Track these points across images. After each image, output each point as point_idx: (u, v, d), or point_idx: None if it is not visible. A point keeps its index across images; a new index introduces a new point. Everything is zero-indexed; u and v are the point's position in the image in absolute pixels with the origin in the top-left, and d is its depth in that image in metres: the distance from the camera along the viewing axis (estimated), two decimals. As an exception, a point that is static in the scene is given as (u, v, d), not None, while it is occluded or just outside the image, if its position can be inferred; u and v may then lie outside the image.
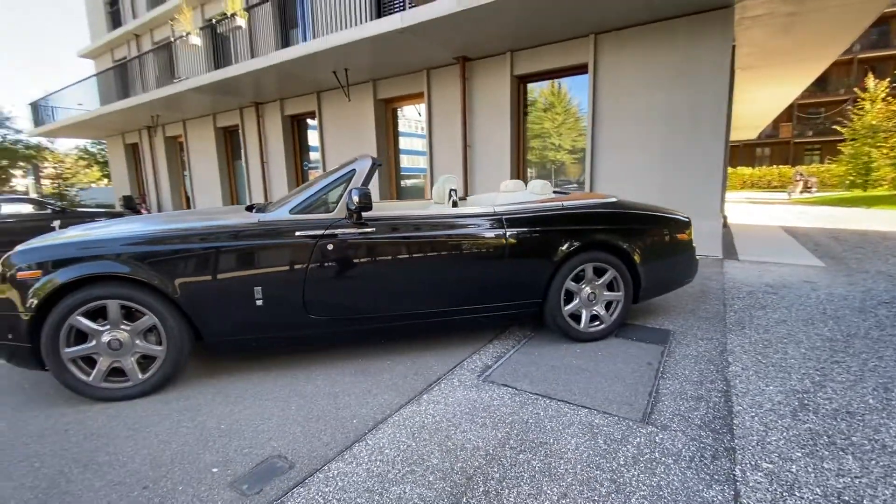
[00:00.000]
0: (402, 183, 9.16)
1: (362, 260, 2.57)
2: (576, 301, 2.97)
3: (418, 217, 2.71)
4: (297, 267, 2.47)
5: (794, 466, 1.72)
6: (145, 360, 2.39)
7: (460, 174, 7.53)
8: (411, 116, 8.92)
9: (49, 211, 9.12)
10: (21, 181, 24.56)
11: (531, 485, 1.63)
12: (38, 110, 14.67)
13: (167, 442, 1.96)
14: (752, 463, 1.75)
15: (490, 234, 2.77)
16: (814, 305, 3.68)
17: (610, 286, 3.05)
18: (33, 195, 18.69)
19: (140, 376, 2.35)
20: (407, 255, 2.66)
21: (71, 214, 9.18)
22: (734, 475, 1.68)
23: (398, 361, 2.74)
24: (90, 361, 2.31)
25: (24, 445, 1.95)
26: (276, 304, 2.46)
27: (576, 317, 3.00)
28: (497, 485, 1.63)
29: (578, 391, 2.34)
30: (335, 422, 2.09)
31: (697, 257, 3.48)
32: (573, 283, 2.93)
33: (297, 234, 2.47)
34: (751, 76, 8.47)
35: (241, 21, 8.08)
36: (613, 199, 3.15)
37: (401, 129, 8.97)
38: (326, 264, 2.51)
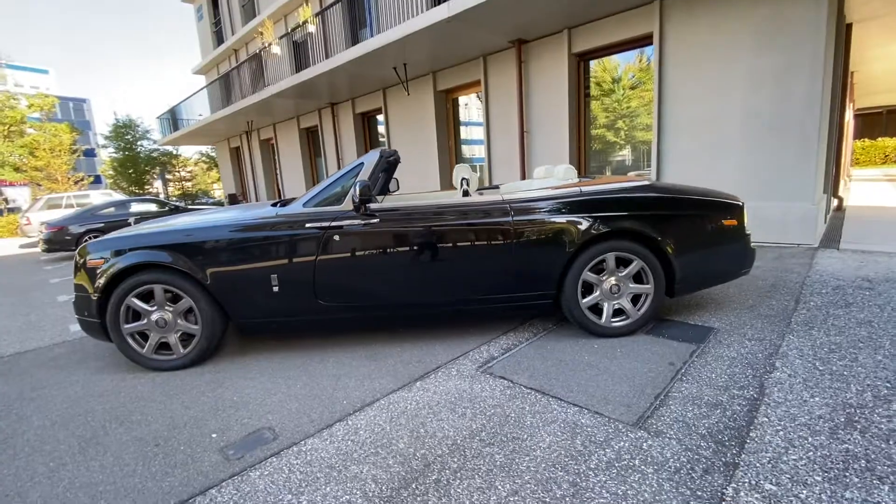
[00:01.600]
0: (464, 173, 9.18)
1: (367, 250, 2.68)
2: (596, 293, 2.78)
3: (423, 207, 2.73)
4: (307, 256, 2.65)
5: (805, 492, 1.46)
6: (187, 338, 2.76)
7: (517, 163, 7.34)
8: (478, 106, 8.87)
9: (167, 209, 10.72)
10: (156, 184, 29.23)
11: (484, 479, 1.59)
12: (163, 123, 17.24)
13: (188, 408, 2.25)
14: (752, 483, 1.52)
15: (496, 223, 2.69)
16: (919, 304, 3.01)
17: (637, 278, 2.79)
18: (161, 196, 22.14)
19: (182, 351, 2.72)
20: (411, 245, 2.70)
21: (182, 210, 10.71)
22: (723, 494, 1.48)
23: (406, 349, 2.81)
24: (144, 336, 2.72)
25: (86, 402, 2.38)
26: (290, 290, 2.67)
27: (598, 310, 2.80)
28: (450, 475, 1.63)
29: (577, 388, 2.20)
30: (329, 401, 2.23)
31: (760, 246, 3.03)
32: (592, 275, 2.74)
33: (307, 225, 2.65)
34: (877, 29, 7.00)
35: (311, 27, 8.67)
36: (645, 183, 2.86)
37: (470, 119, 8.95)
38: (333, 254, 2.65)
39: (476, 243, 2.70)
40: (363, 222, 2.65)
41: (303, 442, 1.89)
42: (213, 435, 1.99)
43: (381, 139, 10.94)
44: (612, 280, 2.76)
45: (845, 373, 2.20)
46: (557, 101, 6.71)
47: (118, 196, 15.87)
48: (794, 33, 4.64)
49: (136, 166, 26.03)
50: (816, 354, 2.41)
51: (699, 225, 2.81)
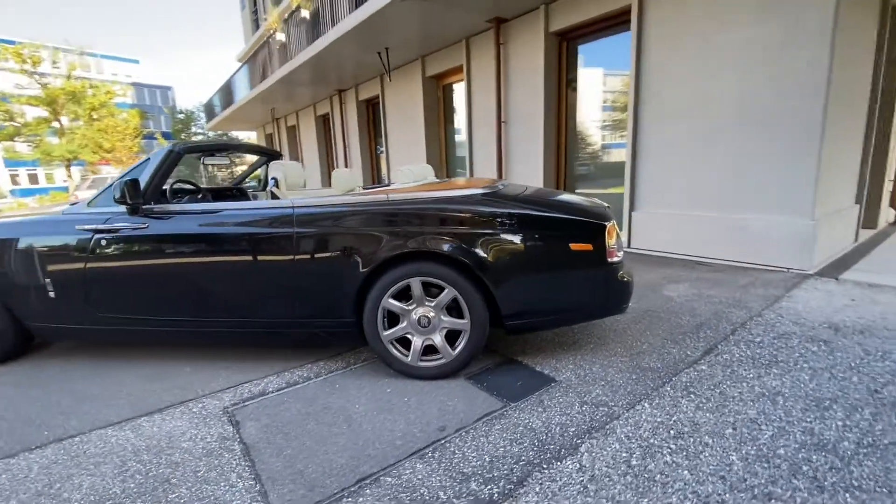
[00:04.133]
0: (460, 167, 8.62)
1: (137, 258, 2.37)
2: (403, 324, 2.26)
3: (202, 211, 2.36)
4: (77, 262, 2.39)
5: None
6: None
7: (494, 156, 6.68)
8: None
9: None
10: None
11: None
12: (209, 110, 18.23)
13: None
14: None
15: (277, 234, 2.25)
16: (872, 372, 2.14)
17: (456, 310, 2.23)
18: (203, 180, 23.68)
19: None
20: (183, 255, 2.34)
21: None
22: None
23: (182, 374, 2.46)
24: None
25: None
26: (66, 297, 2.44)
27: (409, 345, 2.29)
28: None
29: (294, 448, 1.75)
30: (27, 428, 1.97)
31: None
32: (395, 302, 2.22)
33: (77, 227, 2.39)
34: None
35: (305, 12, 8.48)
36: (482, 191, 2.27)
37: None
38: (104, 261, 2.37)
39: (257, 257, 2.28)
40: (132, 226, 2.34)
41: (-67, 482, 1.64)
42: None
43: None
44: (421, 310, 2.22)
45: (658, 478, 1.54)
46: (534, 87, 5.95)
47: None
48: (796, -2, 3.60)
49: None
50: (648, 439, 1.74)
51: (533, 248, 2.17)
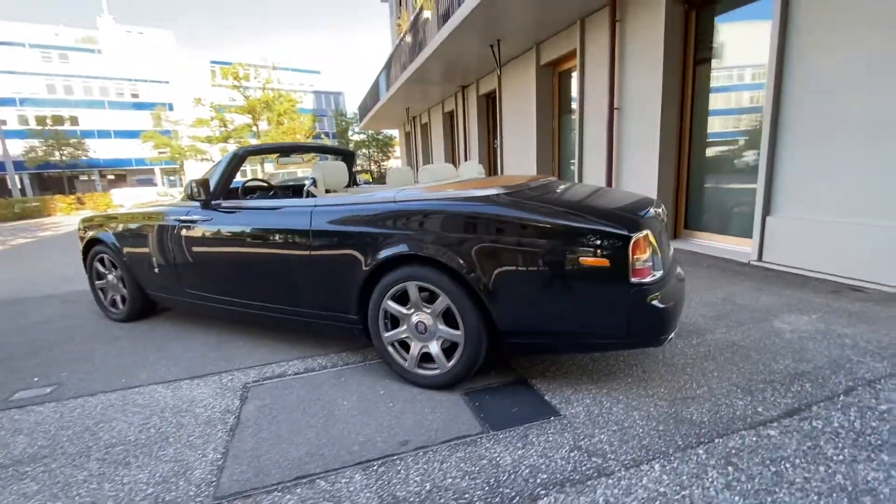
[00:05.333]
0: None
1: (203, 245, 2.78)
2: (402, 328, 2.21)
3: (250, 207, 2.64)
4: (168, 245, 2.93)
5: None
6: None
7: (604, 148, 6.01)
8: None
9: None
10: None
11: (26, 492, 1.59)
12: (363, 111, 20.46)
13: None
14: None
15: (298, 229, 2.40)
16: None
17: (451, 320, 2.08)
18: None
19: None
20: (234, 244, 2.66)
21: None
22: None
23: (238, 347, 2.83)
24: (104, 291, 3.54)
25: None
26: (165, 272, 3.02)
27: (408, 348, 2.23)
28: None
29: (268, 436, 1.87)
30: (118, 372, 2.51)
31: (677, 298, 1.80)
32: (395, 305, 2.17)
33: (167, 217, 2.92)
34: None
35: (427, 13, 8.81)
36: (495, 191, 2.05)
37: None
38: (186, 246, 2.85)
39: (283, 250, 2.47)
40: (202, 218, 2.76)
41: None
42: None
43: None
44: (418, 317, 2.14)
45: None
46: (652, 65, 5.13)
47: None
48: None
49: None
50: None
51: (535, 260, 1.86)
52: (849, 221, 3.39)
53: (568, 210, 1.91)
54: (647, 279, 1.82)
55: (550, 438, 1.76)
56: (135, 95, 41.13)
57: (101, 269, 3.45)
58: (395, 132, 35.00)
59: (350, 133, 33.51)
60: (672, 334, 1.92)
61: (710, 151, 4.98)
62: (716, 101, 4.87)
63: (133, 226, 3.17)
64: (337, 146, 3.85)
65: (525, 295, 1.92)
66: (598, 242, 1.81)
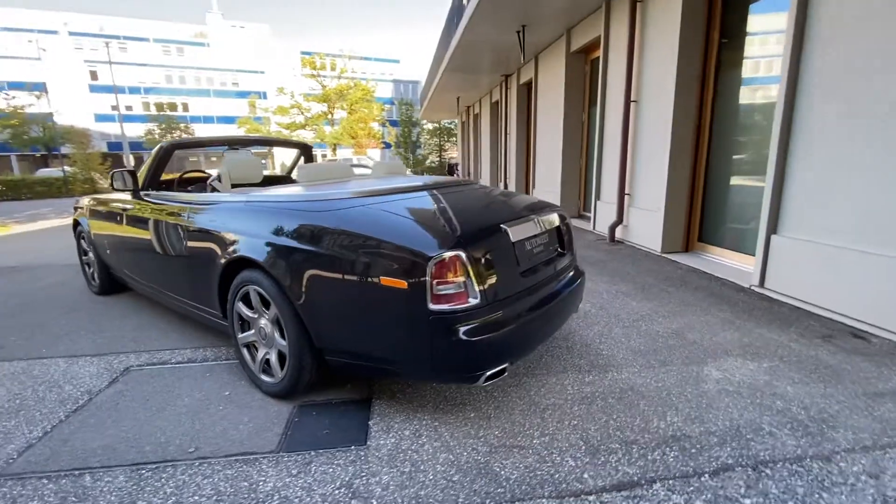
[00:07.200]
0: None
1: (128, 232, 2.98)
2: (252, 332, 2.17)
3: (158, 199, 2.76)
4: (114, 230, 3.19)
5: None
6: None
7: (617, 144, 5.42)
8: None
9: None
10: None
11: None
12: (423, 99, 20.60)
13: (27, 319, 3.27)
14: None
15: (179, 224, 2.44)
16: None
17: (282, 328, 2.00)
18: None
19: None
20: (144, 232, 2.79)
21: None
22: None
23: (160, 332, 2.99)
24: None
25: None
26: (113, 254, 3.29)
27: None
28: None
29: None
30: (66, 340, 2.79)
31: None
32: (244, 307, 2.13)
33: (113, 204, 3.16)
34: None
35: (463, -1, 8.52)
36: (333, 197, 1.92)
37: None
38: (121, 232, 3.08)
39: (170, 242, 2.55)
40: (131, 207, 2.94)
41: None
42: None
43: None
44: (263, 322, 2.08)
45: None
46: (667, 51, 4.48)
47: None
48: None
49: (406, 136, 33.06)
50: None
51: (338, 273, 1.70)
52: (867, 251, 2.70)
53: (384, 223, 1.73)
54: (454, 306, 1.59)
55: (330, 470, 1.62)
56: (235, 84, 45.40)
57: (84, 246, 3.84)
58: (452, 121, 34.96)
59: (410, 122, 34.46)
60: (493, 371, 1.67)
61: (735, 153, 4.25)
62: (745, 96, 4.13)
63: (100, 209, 3.46)
64: (284, 139, 3.85)
65: (334, 311, 1.78)
66: (397, 261, 1.61)
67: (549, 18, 6.68)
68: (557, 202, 7.70)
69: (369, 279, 1.65)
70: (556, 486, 1.51)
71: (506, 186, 11.40)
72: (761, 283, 3.42)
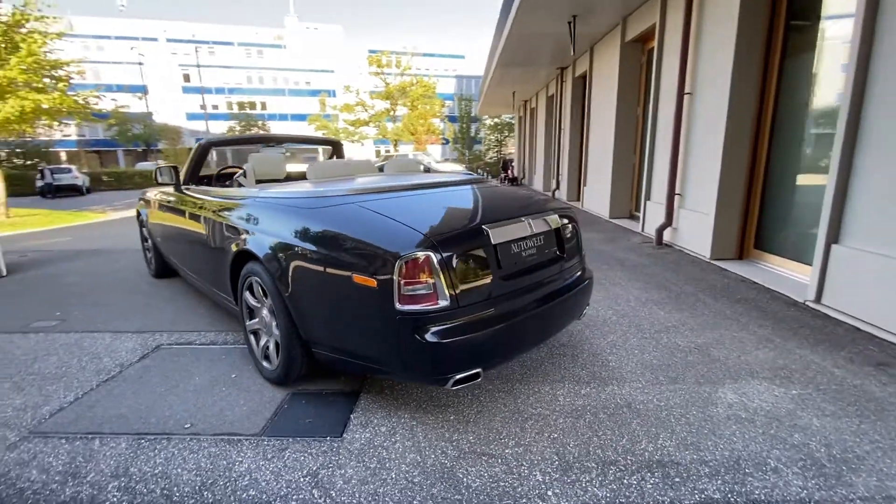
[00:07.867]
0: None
1: (170, 221, 3.26)
2: (256, 320, 2.30)
3: (195, 193, 2.99)
4: (162, 220, 3.52)
5: None
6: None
7: (669, 140, 5.03)
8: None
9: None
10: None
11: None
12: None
13: (93, 297, 3.71)
14: None
15: (205, 216, 2.64)
16: None
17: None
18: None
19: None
20: (187, 223, 3.03)
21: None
22: None
23: (198, 315, 3.26)
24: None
25: (100, 278, 4.27)
26: (162, 242, 3.64)
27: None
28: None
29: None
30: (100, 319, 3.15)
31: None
32: (249, 296, 2.27)
33: (161, 196, 3.49)
34: None
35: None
36: (326, 191, 1.98)
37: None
38: (165, 221, 3.38)
39: (199, 233, 2.76)
40: (174, 200, 3.22)
41: (33, 333, 2.94)
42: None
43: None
44: (263, 311, 2.20)
45: None
46: (724, 45, 4.07)
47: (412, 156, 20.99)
48: None
49: (464, 132, 32.86)
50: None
51: (319, 269, 1.74)
52: (937, 265, 2.29)
53: (360, 221, 1.75)
54: (422, 307, 1.57)
55: (301, 458, 1.69)
56: (307, 83, 48.03)
57: (144, 234, 4.28)
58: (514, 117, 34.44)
59: (469, 117, 34.55)
60: (463, 376, 1.63)
61: (801, 150, 3.78)
62: (818, 85, 3.64)
63: (154, 201, 3.84)
64: (316, 136, 4.01)
65: (315, 306, 1.84)
66: (368, 259, 1.62)
67: (603, 6, 6.33)
68: (607, 200, 7.33)
69: (344, 276, 1.69)
70: (516, 501, 1.46)
71: (557, 184, 11.03)
72: (818, 299, 3.03)
